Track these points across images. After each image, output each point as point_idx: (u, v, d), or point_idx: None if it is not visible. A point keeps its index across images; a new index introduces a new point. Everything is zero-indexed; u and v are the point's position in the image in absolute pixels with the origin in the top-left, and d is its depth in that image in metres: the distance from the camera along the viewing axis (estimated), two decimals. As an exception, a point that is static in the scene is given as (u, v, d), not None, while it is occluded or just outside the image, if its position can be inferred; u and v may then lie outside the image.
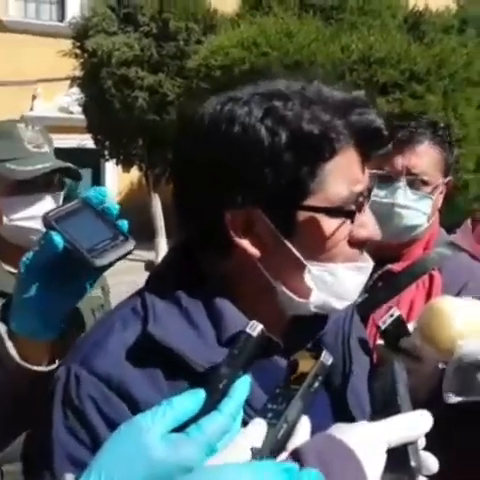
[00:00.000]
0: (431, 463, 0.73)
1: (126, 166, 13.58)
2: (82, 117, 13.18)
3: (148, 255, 11.11)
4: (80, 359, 0.82)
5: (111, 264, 0.90)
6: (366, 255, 0.89)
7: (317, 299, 0.85)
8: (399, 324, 1.16)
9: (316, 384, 0.71)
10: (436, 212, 1.68)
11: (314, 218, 0.81)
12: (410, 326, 1.17)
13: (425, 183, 1.60)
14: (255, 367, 0.77)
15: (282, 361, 0.87)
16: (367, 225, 0.86)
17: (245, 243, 0.82)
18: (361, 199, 0.84)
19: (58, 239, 0.89)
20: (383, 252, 1.62)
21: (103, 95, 12.04)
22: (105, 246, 0.89)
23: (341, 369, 0.94)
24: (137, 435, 0.63)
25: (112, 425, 0.69)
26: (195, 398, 0.67)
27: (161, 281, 0.88)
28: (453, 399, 1.03)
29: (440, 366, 1.14)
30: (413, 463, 0.68)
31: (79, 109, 13.55)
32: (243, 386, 0.69)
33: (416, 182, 1.60)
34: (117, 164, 13.70)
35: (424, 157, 1.61)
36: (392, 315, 1.16)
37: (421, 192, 1.60)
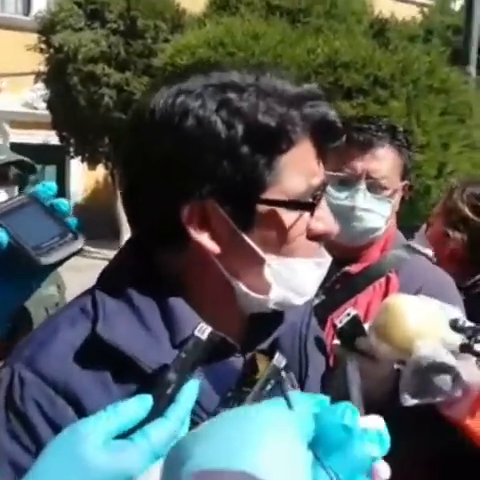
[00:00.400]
0: (382, 470, 0.71)
1: (92, 164, 13.47)
2: (47, 113, 13.02)
3: (112, 254, 10.97)
4: (25, 360, 0.79)
5: (59, 263, 0.88)
6: (323, 250, 0.88)
7: (277, 295, 0.82)
8: (355, 324, 1.16)
9: (268, 387, 0.69)
10: (393, 215, 1.71)
11: (272, 211, 0.79)
12: (366, 326, 1.18)
13: (384, 187, 1.61)
14: (209, 368, 0.76)
15: (238, 362, 0.85)
16: (324, 219, 0.85)
17: (202, 238, 0.79)
18: (318, 192, 0.82)
19: (2, 235, 0.85)
20: (341, 254, 1.63)
21: (69, 91, 11.92)
22: (52, 244, 0.85)
23: (297, 373, 0.93)
24: (76, 442, 0.61)
25: (57, 430, 0.67)
26: (142, 404, 0.65)
27: (113, 279, 0.85)
28: (410, 401, 1.03)
29: (396, 367, 1.16)
30: None
31: (44, 105, 13.38)
32: (190, 391, 0.67)
33: (375, 185, 1.60)
34: (82, 161, 13.58)
35: (383, 161, 1.61)
36: (349, 314, 1.17)
37: (381, 196, 1.61)
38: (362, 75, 6.81)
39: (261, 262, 0.81)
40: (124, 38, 12.11)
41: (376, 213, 1.61)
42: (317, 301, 1.56)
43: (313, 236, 0.84)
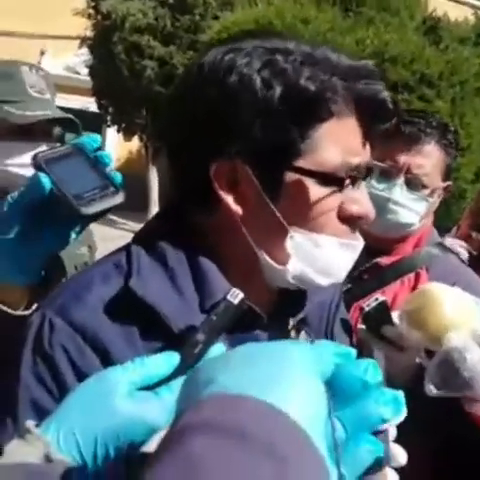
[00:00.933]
0: (399, 454, 0.71)
1: (127, 134, 13.51)
2: (88, 79, 13.07)
3: (139, 227, 11.05)
4: (57, 307, 0.79)
5: (98, 214, 0.87)
6: (357, 234, 0.85)
7: (295, 268, 0.80)
8: (383, 310, 1.15)
9: None
10: (431, 213, 1.67)
11: (301, 181, 0.77)
12: (394, 315, 1.16)
13: (424, 185, 1.58)
14: (235, 339, 0.75)
15: (263, 335, 0.85)
16: (361, 202, 0.82)
17: (229, 199, 0.79)
18: (356, 173, 0.79)
19: (46, 181, 0.86)
20: (373, 245, 1.61)
21: (112, 60, 11.94)
22: (93, 195, 0.86)
23: None
24: (104, 388, 0.61)
25: (83, 377, 0.66)
26: (169, 360, 0.65)
27: (149, 238, 0.85)
28: (434, 392, 1.02)
29: (418, 360, 1.14)
30: (381, 453, 0.67)
31: (86, 71, 13.43)
32: (217, 353, 0.66)
33: (415, 181, 1.57)
34: (118, 131, 13.62)
35: (428, 158, 1.57)
36: (377, 299, 1.15)
37: (418, 193, 1.58)
38: (409, 71, 6.72)
39: (284, 232, 0.79)
40: (172, 11, 12.07)
41: (411, 209, 1.58)
42: (344, 288, 1.56)
43: (345, 217, 0.81)
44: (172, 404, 0.60)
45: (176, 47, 11.93)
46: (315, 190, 0.78)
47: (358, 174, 0.80)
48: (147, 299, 0.77)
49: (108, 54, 11.93)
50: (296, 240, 0.79)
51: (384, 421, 0.49)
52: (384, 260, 1.63)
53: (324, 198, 0.78)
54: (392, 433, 0.69)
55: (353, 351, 0.52)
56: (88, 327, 0.77)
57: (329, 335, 0.94)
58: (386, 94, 0.79)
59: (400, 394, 0.50)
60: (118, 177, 0.90)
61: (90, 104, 13.96)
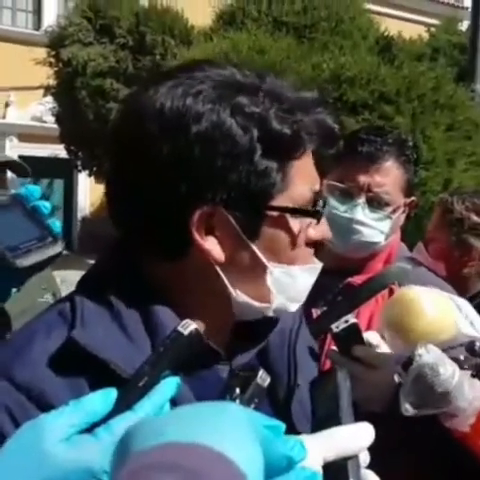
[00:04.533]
0: None
1: (99, 178, 13.51)
2: (55, 126, 13.12)
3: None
4: None
5: (38, 265, 0.85)
6: (314, 257, 0.87)
7: (278, 303, 0.82)
8: (354, 331, 1.14)
9: (251, 406, 0.64)
10: (397, 229, 1.67)
11: (281, 219, 0.79)
12: (367, 334, 1.16)
13: (386, 203, 1.58)
14: (193, 377, 0.74)
15: (223, 371, 0.83)
16: (320, 226, 0.84)
17: (208, 244, 0.77)
18: (320, 200, 0.82)
19: None
20: (343, 265, 1.61)
21: (77, 105, 12.00)
22: (30, 246, 0.84)
23: (286, 381, 0.90)
24: (36, 435, 0.59)
25: None
26: (106, 397, 0.63)
27: (93, 283, 0.82)
28: (411, 411, 1.01)
29: (396, 378, 1.12)
30: None
31: (52, 119, 13.48)
32: (167, 387, 0.65)
33: (377, 200, 1.57)
34: (90, 175, 13.62)
35: (387, 176, 1.58)
36: (346, 321, 1.15)
37: (381, 211, 1.58)
38: (367, 91, 6.80)
39: (264, 270, 0.79)
40: (132, 53, 12.20)
41: (374, 228, 1.59)
42: (319, 312, 1.56)
43: (309, 242, 0.83)
44: (111, 445, 0.58)
45: (139, 88, 12.04)
46: (292, 224, 0.80)
47: (321, 200, 0.82)
48: (92, 348, 0.74)
49: (72, 100, 11.99)
50: (274, 275, 0.80)
51: None
52: (356, 280, 1.62)
53: (300, 231, 0.81)
54: (364, 459, 0.67)
55: (282, 426, 0.52)
56: (32, 385, 0.74)
57: (292, 362, 0.92)
58: (334, 120, 0.82)
59: (319, 472, 0.51)
60: (57, 226, 0.88)
61: (59, 151, 13.99)
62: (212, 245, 0.78)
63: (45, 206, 0.89)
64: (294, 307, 0.85)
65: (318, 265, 0.86)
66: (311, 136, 0.79)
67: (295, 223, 0.80)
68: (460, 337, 1.08)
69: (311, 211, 0.81)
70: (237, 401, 0.63)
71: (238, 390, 0.64)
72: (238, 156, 0.75)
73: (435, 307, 1.08)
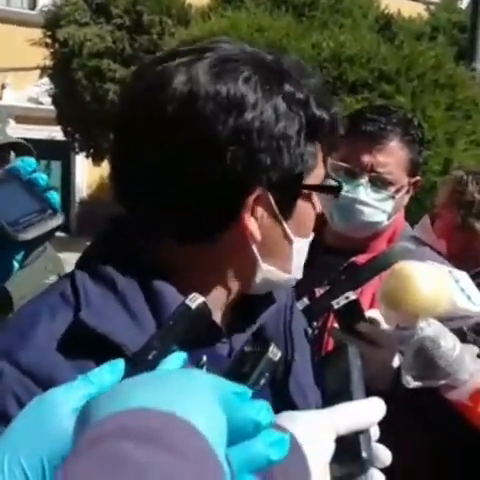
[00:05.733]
0: (384, 455, 0.68)
1: (96, 160, 13.47)
2: (52, 108, 13.03)
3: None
4: (3, 351, 0.75)
5: (40, 239, 0.84)
6: None
7: (297, 274, 0.86)
8: (355, 308, 1.14)
9: (262, 381, 0.63)
10: (401, 209, 1.66)
11: (309, 197, 0.84)
12: (368, 313, 1.15)
13: (389, 182, 1.57)
14: (195, 355, 0.73)
15: (224, 348, 0.83)
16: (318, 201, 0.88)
17: (250, 225, 0.78)
18: (329, 176, 0.87)
19: None
20: (347, 245, 1.62)
21: (74, 86, 11.93)
22: (31, 220, 0.83)
23: (283, 357, 0.90)
24: (46, 410, 0.58)
25: None
26: (114, 368, 0.61)
27: (94, 264, 0.80)
28: (412, 383, 1.01)
29: (397, 360, 1.12)
30: (364, 454, 0.63)
31: (49, 100, 13.40)
32: (175, 362, 0.63)
33: (380, 180, 1.56)
34: (87, 157, 13.59)
35: (391, 156, 1.56)
36: (347, 297, 1.14)
37: (384, 191, 1.57)
38: (367, 69, 6.78)
39: (290, 244, 0.83)
40: (129, 33, 12.11)
41: (377, 208, 1.58)
42: (322, 291, 1.56)
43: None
44: None
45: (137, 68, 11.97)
46: (315, 201, 0.85)
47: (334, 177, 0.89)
48: (101, 330, 0.74)
49: (69, 81, 11.92)
50: (296, 248, 0.85)
51: (271, 462, 0.49)
52: (360, 259, 1.62)
53: (319, 206, 0.87)
54: (375, 433, 0.67)
55: (249, 391, 0.51)
56: (40, 370, 0.73)
57: (288, 338, 0.93)
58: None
59: (286, 436, 0.50)
60: (55, 198, 0.87)
61: (56, 133, 13.92)
62: (253, 226, 0.79)
63: (42, 177, 0.88)
64: (299, 275, 0.89)
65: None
66: (341, 120, 0.84)
67: (317, 199, 0.85)
68: (456, 311, 1.08)
69: (335, 187, 0.87)
70: (251, 377, 0.63)
71: (249, 365, 0.63)
72: (291, 139, 0.78)
73: (430, 282, 1.08)
